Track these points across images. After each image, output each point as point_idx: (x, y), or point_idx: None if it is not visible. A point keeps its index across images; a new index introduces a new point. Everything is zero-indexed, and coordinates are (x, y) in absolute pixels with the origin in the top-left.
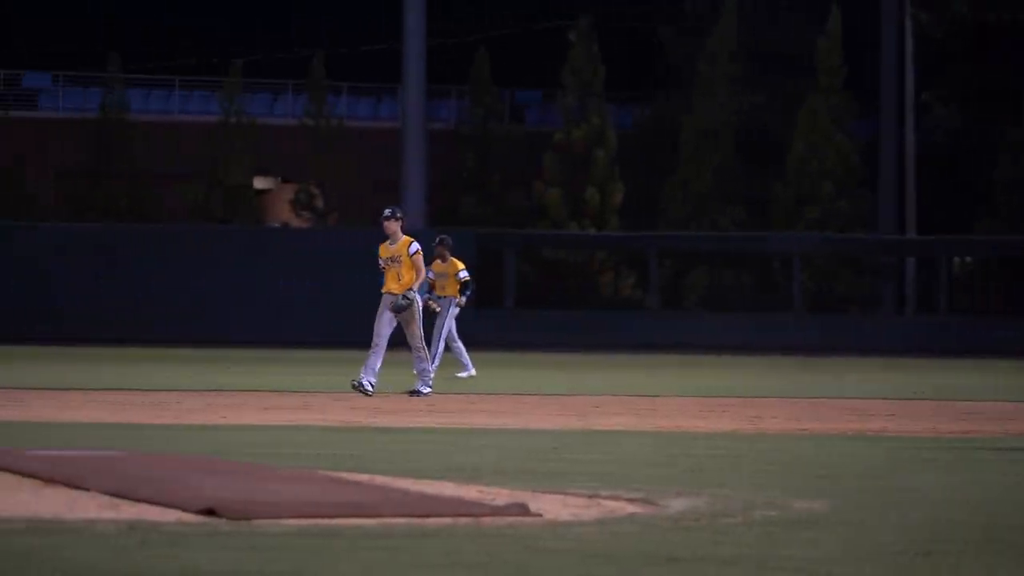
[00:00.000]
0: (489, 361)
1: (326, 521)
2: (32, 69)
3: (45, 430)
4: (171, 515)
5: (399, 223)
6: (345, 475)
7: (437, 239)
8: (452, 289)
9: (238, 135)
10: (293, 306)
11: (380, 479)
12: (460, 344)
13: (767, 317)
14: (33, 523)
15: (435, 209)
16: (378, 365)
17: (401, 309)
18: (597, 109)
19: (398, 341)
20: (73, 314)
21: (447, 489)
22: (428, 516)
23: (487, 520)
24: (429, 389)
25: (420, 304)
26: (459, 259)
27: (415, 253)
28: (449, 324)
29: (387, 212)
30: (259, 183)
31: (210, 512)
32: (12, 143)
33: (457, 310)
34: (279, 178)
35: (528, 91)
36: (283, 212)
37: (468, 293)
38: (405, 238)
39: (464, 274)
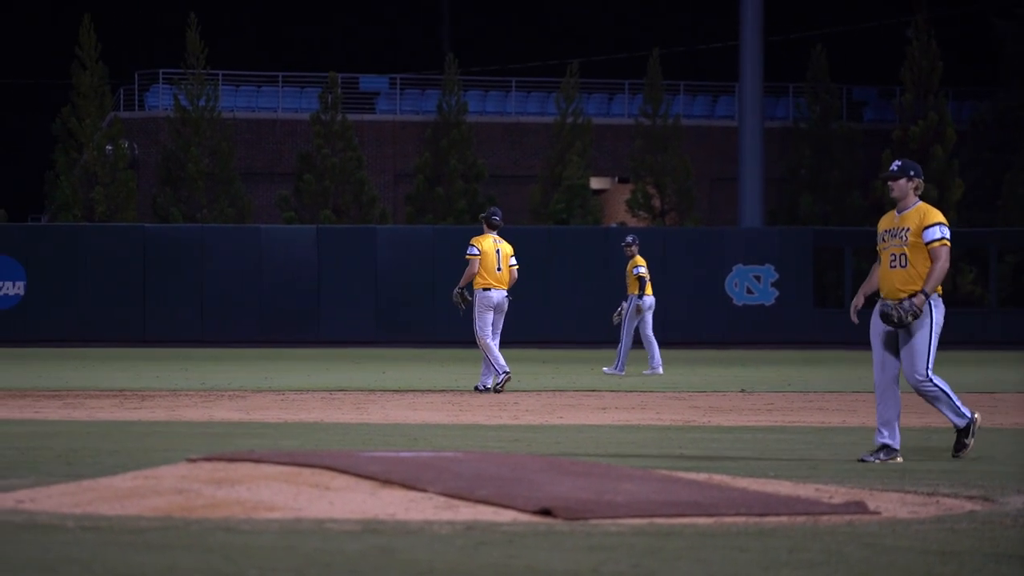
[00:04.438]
0: (824, 359)
1: (663, 520)
2: (369, 73)
3: (382, 431)
4: (507, 515)
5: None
6: (682, 474)
7: (629, 237)
8: (633, 287)
9: (575, 135)
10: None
11: (717, 478)
12: (628, 344)
13: None
14: (369, 524)
15: (773, 207)
16: (500, 359)
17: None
18: (935, 105)
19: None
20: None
21: (784, 488)
22: (766, 515)
23: (825, 519)
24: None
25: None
26: (643, 257)
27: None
28: (631, 322)
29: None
30: (595, 183)
31: (546, 512)
32: (350, 146)
33: (635, 307)
34: (615, 178)
35: (865, 87)
36: (619, 212)
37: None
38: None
39: (640, 270)
